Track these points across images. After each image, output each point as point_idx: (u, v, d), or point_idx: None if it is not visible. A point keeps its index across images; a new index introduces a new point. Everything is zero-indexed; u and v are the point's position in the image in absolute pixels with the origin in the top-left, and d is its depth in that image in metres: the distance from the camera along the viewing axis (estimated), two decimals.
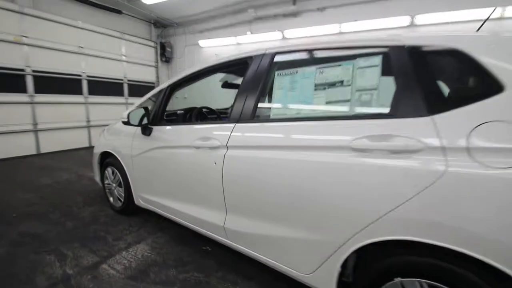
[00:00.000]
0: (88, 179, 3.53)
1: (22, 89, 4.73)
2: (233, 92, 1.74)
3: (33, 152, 4.98)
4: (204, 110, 2.43)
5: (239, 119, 1.42)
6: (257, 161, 1.27)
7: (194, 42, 7.10)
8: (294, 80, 1.31)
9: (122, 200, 2.39)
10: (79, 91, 5.60)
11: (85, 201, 2.80)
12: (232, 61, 1.64)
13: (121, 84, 6.50)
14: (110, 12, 6.15)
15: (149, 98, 2.18)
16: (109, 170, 2.50)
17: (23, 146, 4.82)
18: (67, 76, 5.33)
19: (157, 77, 7.47)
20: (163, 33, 7.60)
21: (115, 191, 2.47)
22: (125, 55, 6.53)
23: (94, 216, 2.43)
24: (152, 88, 7.06)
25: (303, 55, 1.38)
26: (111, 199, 2.56)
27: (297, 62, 1.38)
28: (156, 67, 7.52)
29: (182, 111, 2.33)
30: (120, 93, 6.48)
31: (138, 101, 2.32)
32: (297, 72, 1.31)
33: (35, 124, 4.95)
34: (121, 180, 2.34)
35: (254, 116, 1.37)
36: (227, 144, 1.41)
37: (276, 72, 1.40)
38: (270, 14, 5.69)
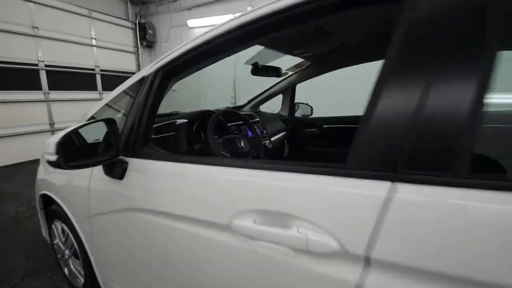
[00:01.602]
0: None
1: None
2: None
3: None
4: (223, 116, 1.38)
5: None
6: None
7: (181, 22, 5.86)
8: None
9: (83, 279, 1.36)
10: (36, 86, 4.34)
11: (29, 266, 1.73)
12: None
13: (93, 75, 5.23)
14: None
15: (108, 106, 1.12)
16: (57, 226, 1.44)
17: None
18: (18, 66, 4.05)
19: (138, 65, 6.21)
20: (143, 11, 6.29)
21: (70, 261, 1.42)
22: (95, 38, 5.23)
23: None
24: None
25: None
26: (65, 270, 1.51)
27: None
28: (136, 53, 6.24)
29: (185, 120, 1.27)
30: (93, 87, 5.22)
31: (93, 106, 1.24)
32: None
33: None
34: (77, 249, 1.30)
35: None
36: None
37: None
38: None
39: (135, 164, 0.93)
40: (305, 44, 1.22)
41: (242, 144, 1.23)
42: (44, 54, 4.38)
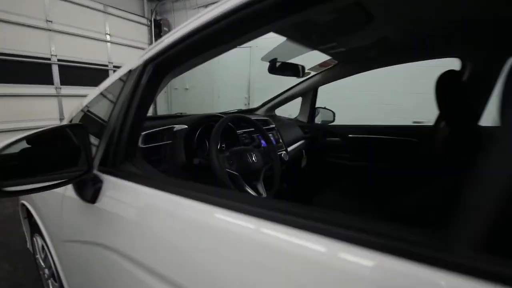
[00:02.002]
0: None
1: None
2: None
3: None
4: (232, 122, 1.15)
5: None
6: None
7: None
8: None
9: None
10: (48, 80, 4.27)
11: (13, 279, 1.55)
12: None
13: (106, 71, 5.15)
14: None
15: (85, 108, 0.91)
16: (38, 241, 1.26)
17: None
18: (30, 60, 4.00)
19: None
20: (159, 8, 6.18)
21: (50, 283, 1.23)
22: (109, 33, 5.15)
23: None
24: None
25: None
26: None
27: None
28: None
29: (184, 126, 1.03)
30: None
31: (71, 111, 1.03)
32: None
33: None
34: (54, 272, 1.10)
35: None
36: None
37: None
38: None
39: (112, 185, 0.71)
40: (340, 34, 0.96)
41: (253, 158, 0.99)
42: (57, 49, 4.31)
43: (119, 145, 0.74)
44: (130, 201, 0.64)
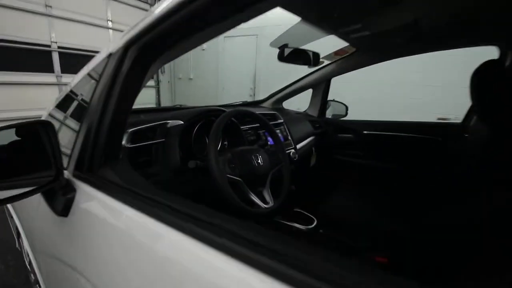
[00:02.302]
0: None
1: None
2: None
3: None
4: (236, 118, 1.01)
5: None
6: None
7: None
8: None
9: None
10: (49, 68, 4.16)
11: (5, 278, 1.48)
12: None
13: None
14: None
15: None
16: (23, 244, 1.15)
17: None
18: (29, 47, 3.88)
19: None
20: None
21: None
22: (111, 20, 4.97)
23: None
24: None
25: None
26: None
27: None
28: None
29: (179, 122, 0.89)
30: None
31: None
32: None
33: None
34: (37, 279, 1.00)
35: None
36: None
37: None
38: None
39: (86, 196, 0.58)
40: (365, 14, 0.80)
41: (259, 160, 0.85)
42: (58, 35, 4.17)
43: (97, 145, 0.61)
44: (103, 220, 0.51)
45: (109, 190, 0.54)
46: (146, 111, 1.10)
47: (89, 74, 0.76)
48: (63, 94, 0.98)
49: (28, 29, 3.86)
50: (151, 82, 5.71)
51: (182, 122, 0.87)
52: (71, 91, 0.88)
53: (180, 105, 1.41)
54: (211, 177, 0.72)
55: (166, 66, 5.79)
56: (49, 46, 4.12)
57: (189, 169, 0.80)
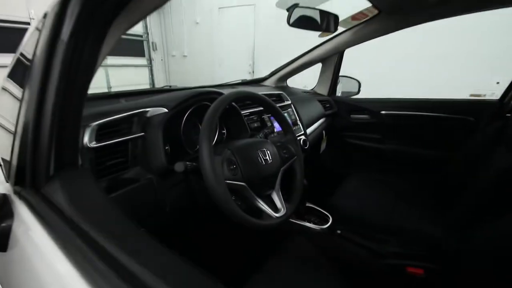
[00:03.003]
0: None
1: None
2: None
3: None
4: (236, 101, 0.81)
5: None
6: None
7: None
8: None
9: None
10: None
11: None
12: None
13: None
14: None
15: None
16: None
17: None
18: (6, 25, 3.56)
19: (146, 27, 5.48)
20: None
21: None
22: None
23: None
24: (139, 44, 5.22)
25: None
26: None
27: None
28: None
29: (163, 110, 0.69)
30: None
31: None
32: None
33: None
34: None
35: None
36: None
37: None
38: None
39: (25, 225, 0.41)
40: None
41: (268, 156, 0.67)
42: (37, 11, 3.82)
43: (37, 150, 0.43)
44: (36, 270, 0.34)
45: (48, 222, 0.36)
46: (125, 95, 0.90)
47: (21, 54, 0.56)
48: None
49: (4, 5, 3.52)
50: (143, 61, 5.36)
51: (167, 110, 0.68)
52: (8, 75, 0.66)
53: (170, 86, 1.20)
54: (205, 184, 0.54)
55: (159, 43, 5.42)
56: (28, 23, 3.78)
57: (174, 175, 0.62)
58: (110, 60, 4.54)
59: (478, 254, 0.61)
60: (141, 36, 5.28)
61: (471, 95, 2.61)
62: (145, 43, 5.28)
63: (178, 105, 0.70)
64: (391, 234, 0.92)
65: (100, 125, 0.58)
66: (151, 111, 0.67)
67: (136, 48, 5.16)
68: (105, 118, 0.60)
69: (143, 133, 0.65)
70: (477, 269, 0.59)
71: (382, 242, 0.91)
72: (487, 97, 2.47)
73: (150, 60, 5.42)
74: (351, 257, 0.78)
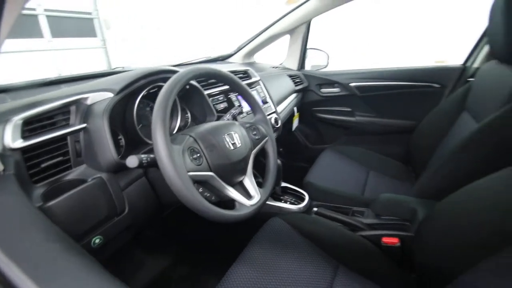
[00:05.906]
0: None
1: None
2: None
3: None
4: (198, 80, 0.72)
5: None
6: None
7: None
8: None
9: None
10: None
11: None
12: None
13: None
14: None
15: None
16: None
17: None
18: None
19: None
20: None
21: None
22: None
23: None
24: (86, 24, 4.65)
25: None
26: None
27: None
28: None
29: (109, 95, 0.58)
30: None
31: None
32: None
33: None
34: None
35: None
36: None
37: None
38: None
39: None
40: None
41: (236, 140, 0.61)
42: None
43: None
44: None
45: None
46: (66, 81, 0.76)
47: None
48: None
49: None
50: (96, 42, 4.82)
51: (112, 95, 0.57)
52: None
53: (123, 67, 1.05)
54: (165, 179, 0.47)
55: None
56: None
57: (131, 168, 0.53)
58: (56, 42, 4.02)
59: (443, 219, 0.61)
60: (89, 13, 4.69)
61: (436, 62, 2.71)
62: (95, 21, 4.72)
63: (125, 88, 0.60)
64: (365, 206, 0.93)
65: (25, 119, 0.47)
66: (92, 97, 0.56)
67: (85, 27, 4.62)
68: (33, 110, 0.49)
69: (85, 125, 0.55)
70: (443, 234, 0.60)
71: (358, 215, 0.92)
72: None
73: (103, 40, 4.89)
74: (330, 233, 0.77)
